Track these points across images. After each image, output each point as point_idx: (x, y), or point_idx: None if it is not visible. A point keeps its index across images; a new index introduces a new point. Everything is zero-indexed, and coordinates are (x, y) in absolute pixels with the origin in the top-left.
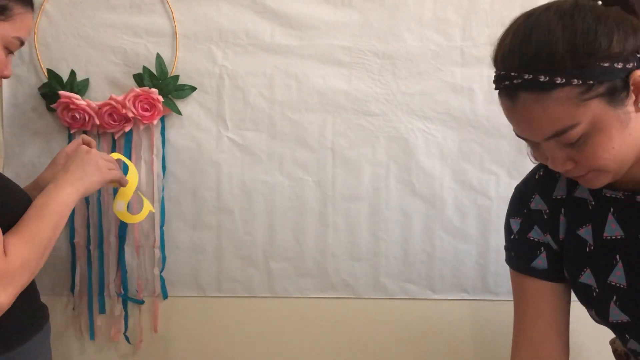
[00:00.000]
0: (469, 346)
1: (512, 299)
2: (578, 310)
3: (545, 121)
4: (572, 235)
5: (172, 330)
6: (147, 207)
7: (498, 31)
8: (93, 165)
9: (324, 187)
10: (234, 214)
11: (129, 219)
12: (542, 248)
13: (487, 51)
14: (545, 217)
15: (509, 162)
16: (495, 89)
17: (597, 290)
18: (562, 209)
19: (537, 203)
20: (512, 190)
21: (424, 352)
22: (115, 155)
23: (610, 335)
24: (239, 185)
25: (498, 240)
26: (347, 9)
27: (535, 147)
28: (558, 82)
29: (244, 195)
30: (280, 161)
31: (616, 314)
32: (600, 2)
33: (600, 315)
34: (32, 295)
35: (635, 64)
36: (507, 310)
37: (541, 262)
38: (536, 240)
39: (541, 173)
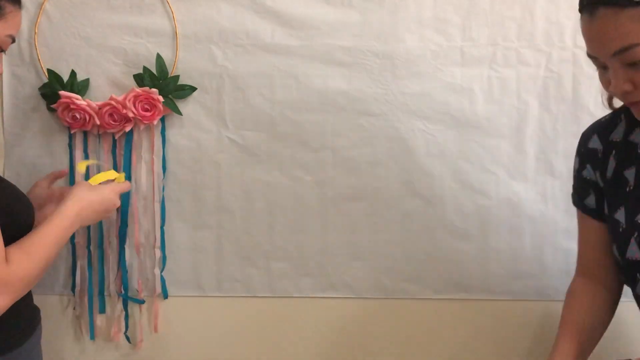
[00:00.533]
0: (469, 346)
1: (512, 298)
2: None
3: (616, 35)
4: (618, 175)
5: (172, 330)
6: (111, 175)
7: (498, 31)
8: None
9: (324, 187)
10: (234, 214)
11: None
12: (592, 189)
13: (487, 51)
14: (600, 156)
15: (509, 162)
16: (579, 10)
17: (623, 226)
18: (614, 151)
19: (593, 143)
20: (512, 190)
21: (423, 352)
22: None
23: (634, 335)
24: (239, 185)
25: (498, 240)
26: (347, 9)
27: (602, 71)
28: (635, 0)
29: (244, 195)
30: (280, 161)
31: (633, 249)
32: None
33: (619, 250)
34: (27, 297)
35: None
36: (507, 310)
37: (591, 201)
38: (588, 178)
39: (607, 117)
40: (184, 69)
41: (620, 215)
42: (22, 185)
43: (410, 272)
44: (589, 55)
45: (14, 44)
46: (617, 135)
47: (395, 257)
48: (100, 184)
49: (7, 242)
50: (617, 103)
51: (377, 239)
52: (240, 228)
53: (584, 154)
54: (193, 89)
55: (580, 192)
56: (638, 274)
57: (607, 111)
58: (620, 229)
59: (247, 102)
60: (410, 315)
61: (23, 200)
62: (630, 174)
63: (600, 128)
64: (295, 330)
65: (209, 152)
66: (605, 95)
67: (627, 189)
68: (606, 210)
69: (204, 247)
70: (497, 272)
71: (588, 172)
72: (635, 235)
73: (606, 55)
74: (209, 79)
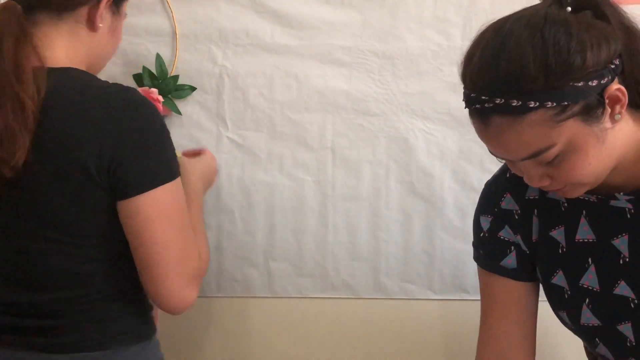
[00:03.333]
0: (468, 346)
1: None
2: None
3: (520, 144)
4: (545, 236)
5: (172, 330)
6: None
7: None
8: (214, 173)
9: (324, 187)
10: (234, 214)
11: None
12: (512, 247)
13: None
14: (517, 217)
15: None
16: (466, 107)
17: (568, 292)
18: (535, 210)
19: (507, 203)
20: None
21: (423, 352)
22: None
23: None
24: (239, 185)
25: None
26: (347, 9)
27: (511, 162)
28: (531, 105)
29: (244, 195)
30: (280, 161)
31: (588, 317)
32: (569, 8)
33: (571, 317)
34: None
35: (610, 78)
36: None
37: (511, 261)
38: (506, 239)
39: (512, 172)
40: (183, 68)
41: (559, 280)
42: None
43: (410, 272)
44: (492, 153)
45: None
46: (533, 192)
47: (395, 257)
48: None
49: None
50: None
51: (377, 239)
52: (240, 228)
53: (499, 215)
54: (192, 88)
55: (495, 254)
56: (597, 339)
57: None
58: (566, 295)
59: (247, 102)
60: (410, 315)
61: None
62: (559, 234)
63: (510, 185)
64: (295, 330)
65: None
66: None
67: (560, 251)
68: (539, 275)
69: None
70: None
71: (507, 233)
72: (586, 302)
73: (513, 160)
74: (209, 78)
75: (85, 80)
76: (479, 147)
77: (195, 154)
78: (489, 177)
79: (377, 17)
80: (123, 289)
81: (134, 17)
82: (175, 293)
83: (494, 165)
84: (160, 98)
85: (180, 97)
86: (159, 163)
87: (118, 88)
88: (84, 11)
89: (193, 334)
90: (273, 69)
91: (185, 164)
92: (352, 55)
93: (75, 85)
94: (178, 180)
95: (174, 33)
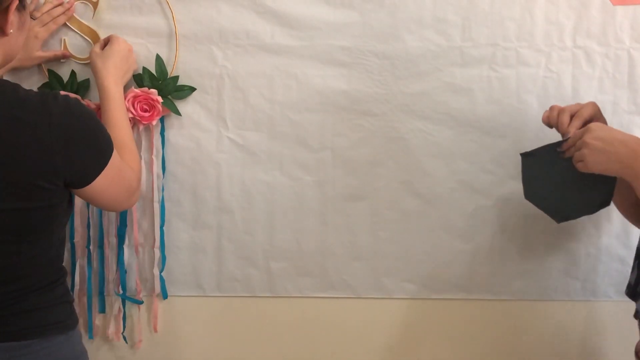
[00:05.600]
0: (468, 346)
1: (511, 298)
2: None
3: None
4: None
5: (172, 330)
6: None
7: (498, 31)
8: (132, 59)
9: (324, 187)
10: (234, 214)
11: None
12: None
13: (486, 51)
14: None
15: (509, 162)
16: None
17: None
18: None
19: None
20: (512, 190)
21: (423, 352)
22: None
23: (634, 337)
24: (239, 185)
25: (498, 240)
26: (347, 9)
27: None
28: None
29: (244, 195)
30: (280, 161)
31: None
32: None
33: None
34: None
35: None
36: (507, 310)
37: None
38: None
39: None
40: (184, 69)
41: None
42: None
43: (410, 272)
44: None
45: None
46: None
47: (395, 257)
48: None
49: None
50: None
51: (377, 239)
52: (240, 228)
53: None
54: (192, 89)
55: None
56: None
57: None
58: None
59: (247, 102)
60: (410, 315)
61: None
62: None
63: None
64: (295, 330)
65: (209, 152)
66: None
67: None
68: None
69: (204, 247)
70: (497, 272)
71: None
72: None
73: None
74: (209, 79)
75: (12, 90)
76: (479, 147)
77: (106, 42)
78: (489, 177)
79: (377, 18)
80: (53, 281)
81: (134, 17)
82: (125, 207)
83: (494, 165)
84: (160, 99)
85: (180, 97)
86: (98, 152)
87: (46, 94)
88: None
89: (193, 334)
90: (273, 69)
91: (97, 62)
92: (352, 55)
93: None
94: (114, 154)
95: (174, 34)
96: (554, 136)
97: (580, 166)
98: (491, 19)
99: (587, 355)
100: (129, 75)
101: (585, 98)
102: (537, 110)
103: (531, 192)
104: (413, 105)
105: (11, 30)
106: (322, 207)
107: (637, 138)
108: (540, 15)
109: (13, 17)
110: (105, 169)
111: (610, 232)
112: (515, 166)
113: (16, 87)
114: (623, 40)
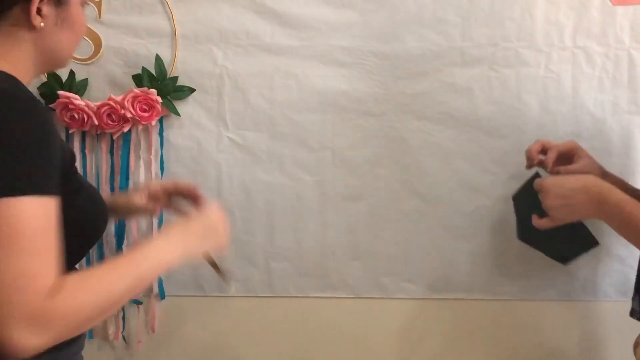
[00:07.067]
0: (468, 346)
1: (511, 298)
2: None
3: None
4: None
5: (172, 330)
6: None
7: (498, 31)
8: (221, 236)
9: (324, 187)
10: (234, 214)
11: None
12: None
13: (486, 51)
14: None
15: (509, 162)
16: None
17: None
18: None
19: None
20: (512, 190)
21: (423, 352)
22: None
23: (634, 337)
24: (239, 185)
25: (498, 240)
26: (347, 9)
27: None
28: None
29: (244, 195)
30: (280, 161)
31: None
32: None
33: None
34: None
35: None
36: (506, 310)
37: None
38: None
39: None
40: (184, 69)
41: None
42: None
43: (410, 272)
44: None
45: None
46: None
47: (395, 257)
48: None
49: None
50: None
51: (377, 239)
52: (240, 228)
53: None
54: (191, 90)
55: None
56: None
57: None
58: None
59: (247, 102)
60: (410, 315)
61: (99, 204)
62: None
63: None
64: (295, 330)
65: (209, 152)
66: None
67: None
68: None
69: None
70: (496, 272)
71: None
72: None
73: None
74: (209, 79)
75: None
76: (479, 147)
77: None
78: (488, 177)
79: (376, 18)
80: None
81: (134, 17)
82: (5, 335)
83: (494, 165)
84: (159, 99)
85: (179, 98)
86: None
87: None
88: (17, 12)
89: (193, 334)
90: (273, 70)
91: (190, 220)
92: (352, 55)
93: None
94: (42, 198)
95: (174, 34)
96: (553, 136)
97: (551, 223)
98: (491, 19)
99: (587, 355)
100: (208, 248)
101: (585, 98)
102: (537, 110)
103: (525, 233)
104: (413, 105)
105: (42, 24)
106: (322, 207)
107: (593, 178)
108: (540, 15)
109: (46, 8)
110: (15, 199)
111: (610, 232)
112: (515, 166)
113: None
114: (623, 41)
